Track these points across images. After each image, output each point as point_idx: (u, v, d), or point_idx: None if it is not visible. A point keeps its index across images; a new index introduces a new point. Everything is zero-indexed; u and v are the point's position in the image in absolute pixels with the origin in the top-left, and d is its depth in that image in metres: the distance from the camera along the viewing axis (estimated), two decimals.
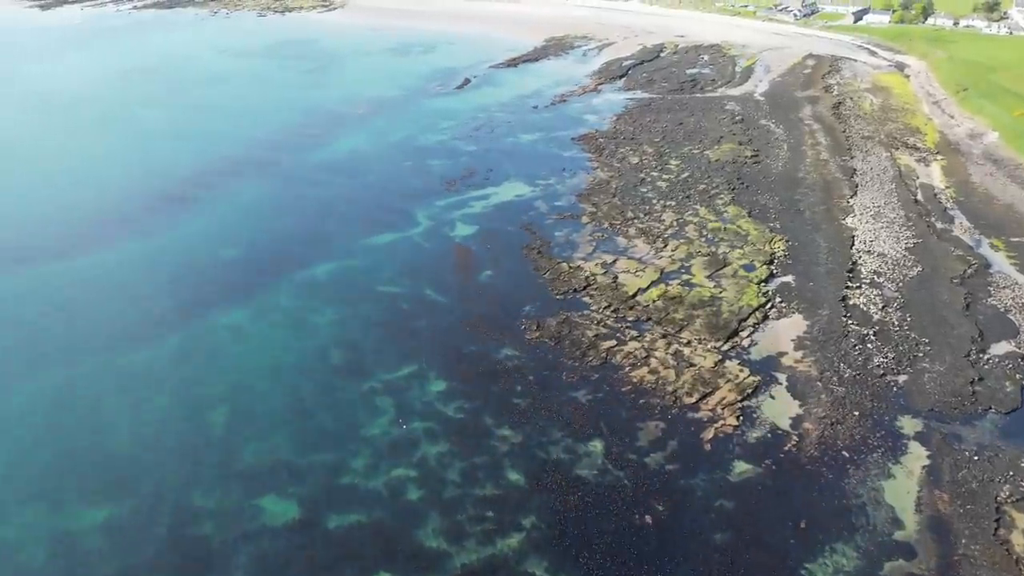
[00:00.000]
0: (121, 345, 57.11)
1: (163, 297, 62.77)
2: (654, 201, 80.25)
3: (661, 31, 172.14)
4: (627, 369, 53.43)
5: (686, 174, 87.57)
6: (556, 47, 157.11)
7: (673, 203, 79.88)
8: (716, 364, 53.95)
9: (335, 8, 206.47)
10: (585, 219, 76.06)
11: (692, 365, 53.74)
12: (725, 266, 66.82)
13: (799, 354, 55.58)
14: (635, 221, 75.61)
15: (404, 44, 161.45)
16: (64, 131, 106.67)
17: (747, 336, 57.52)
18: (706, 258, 68.38)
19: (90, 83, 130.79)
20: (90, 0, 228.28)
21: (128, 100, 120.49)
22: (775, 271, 66.93)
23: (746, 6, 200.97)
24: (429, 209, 79.07)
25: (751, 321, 59.29)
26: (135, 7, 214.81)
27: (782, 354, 55.57)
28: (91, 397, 52.39)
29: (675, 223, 75.20)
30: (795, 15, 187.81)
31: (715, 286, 63.84)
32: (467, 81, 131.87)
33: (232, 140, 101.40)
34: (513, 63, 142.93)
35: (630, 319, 59.24)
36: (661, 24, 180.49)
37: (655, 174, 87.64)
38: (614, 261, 67.83)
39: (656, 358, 54.33)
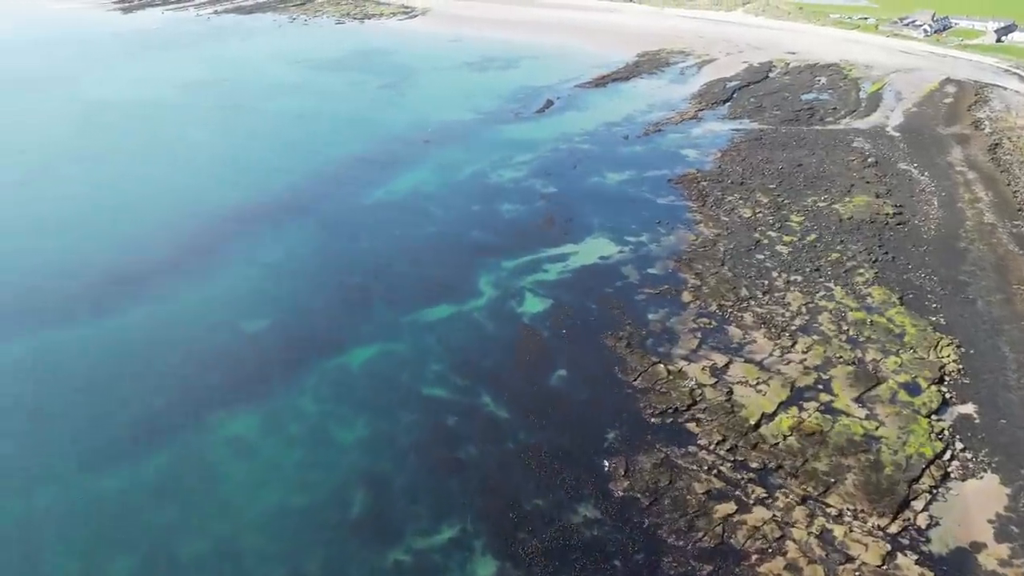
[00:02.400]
0: (87, 465, 44.48)
1: (153, 391, 50.44)
2: (774, 274, 64.09)
3: (769, 46, 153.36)
4: (754, 559, 37.79)
5: (812, 236, 70.79)
6: (650, 63, 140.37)
7: (799, 278, 63.32)
8: (884, 561, 37.78)
9: (415, 16, 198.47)
10: (687, 296, 60.50)
11: (849, 559, 37.54)
12: (878, 383, 50.16)
13: (1004, 550, 38.48)
14: (751, 303, 59.45)
15: (484, 57, 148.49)
16: (96, 154, 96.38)
17: (923, 509, 40.67)
18: (850, 368, 51.79)
19: (148, 96, 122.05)
20: (172, 3, 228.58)
21: (182, 118, 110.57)
22: (948, 395, 49.73)
23: (866, 19, 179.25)
24: (495, 272, 65.03)
25: (926, 482, 42.46)
26: (215, 12, 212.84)
27: (978, 547, 38.68)
28: (32, 551, 39.35)
29: (804, 309, 58.86)
30: (925, 31, 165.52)
31: (868, 416, 47.35)
32: (549, 103, 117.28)
33: (281, 173, 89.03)
34: (601, 82, 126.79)
35: (753, 465, 43.41)
36: (769, 38, 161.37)
37: (773, 234, 71.30)
38: (727, 365, 51.99)
39: (795, 541, 38.56)
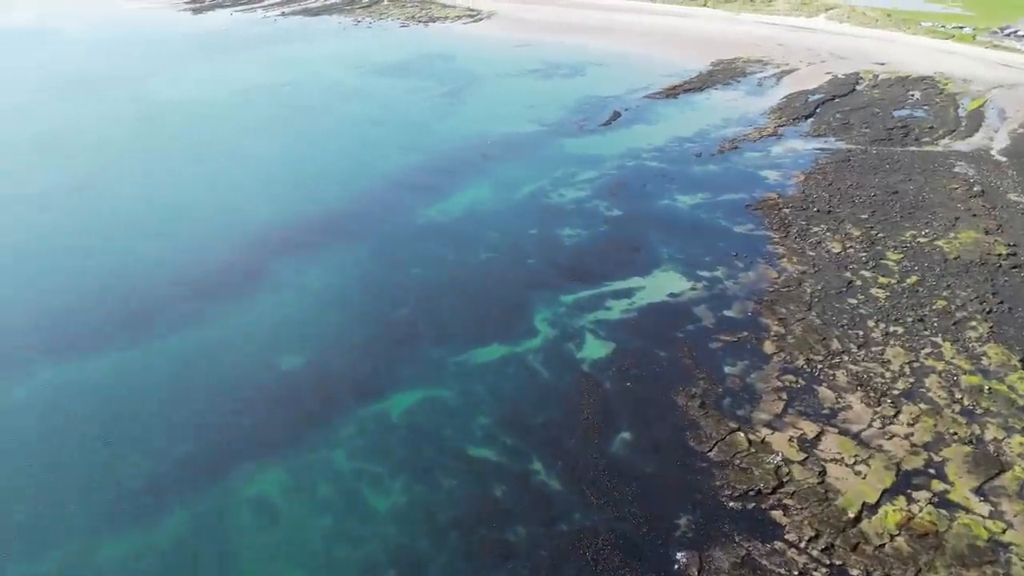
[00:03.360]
0: (94, 528, 39.99)
1: (175, 437, 45.97)
2: (870, 323, 56.04)
3: (855, 56, 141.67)
4: None
5: (913, 278, 62.20)
6: (725, 73, 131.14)
7: (899, 329, 55.23)
8: None
9: (481, 19, 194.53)
10: (769, 346, 53.17)
11: None
12: (1002, 470, 42.28)
13: None
14: (844, 358, 51.77)
15: (549, 64, 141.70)
16: (148, 160, 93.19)
17: None
18: (967, 448, 44.11)
19: (208, 100, 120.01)
20: (241, 4, 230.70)
21: (239, 125, 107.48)
22: None
23: (962, 28, 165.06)
24: (552, 308, 58.66)
25: None
26: (282, 13, 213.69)
27: None
28: None
29: (907, 369, 50.98)
30: None
31: (991, 514, 39.55)
32: (616, 115, 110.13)
33: (332, 185, 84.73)
34: (673, 92, 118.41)
35: (854, 573, 36.34)
36: (854, 47, 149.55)
37: (867, 274, 62.98)
38: (818, 436, 44.85)
39: None
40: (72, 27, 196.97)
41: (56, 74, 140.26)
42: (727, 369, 51.20)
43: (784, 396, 48.47)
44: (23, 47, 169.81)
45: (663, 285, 62.03)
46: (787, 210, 75.60)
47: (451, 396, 49.16)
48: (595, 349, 53.58)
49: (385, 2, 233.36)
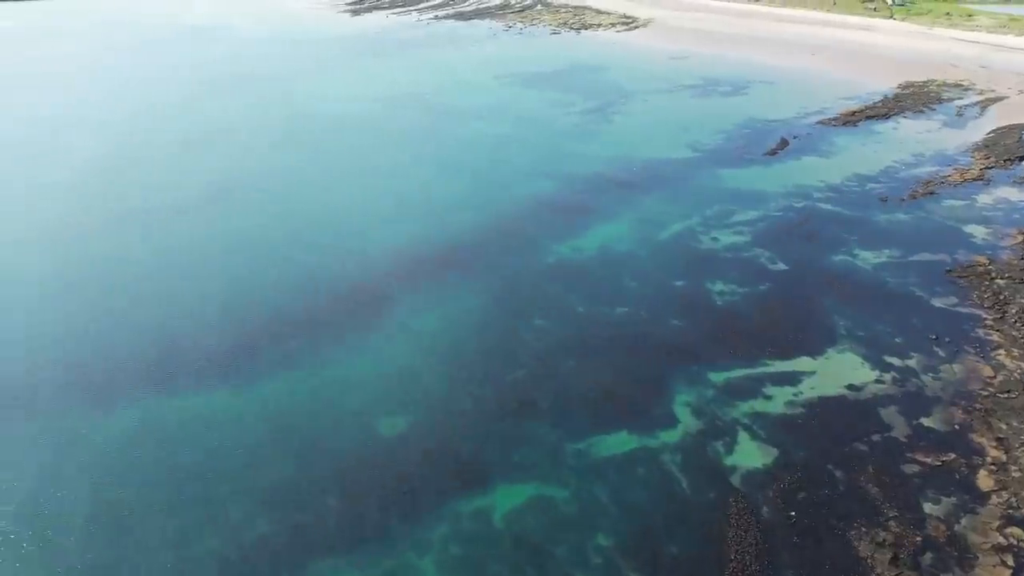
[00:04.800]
0: None
1: (249, 517, 39.32)
2: None
3: None
4: None
5: None
6: (915, 98, 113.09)
7: None
8: None
9: (636, 27, 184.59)
10: (986, 479, 40.14)
11: None
12: None
13: None
14: None
15: (708, 79, 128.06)
16: (275, 174, 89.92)
17: None
18: None
19: (346, 110, 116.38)
20: (397, 7, 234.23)
21: (373, 139, 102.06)
22: None
23: None
24: (696, 389, 47.89)
25: None
26: (435, 17, 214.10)
27: None
28: None
29: None
30: None
31: None
32: (783, 143, 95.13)
33: (459, 212, 77.20)
34: (851, 119, 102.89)
35: None
36: None
37: None
38: None
39: None
40: (237, 25, 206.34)
41: (212, 72, 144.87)
42: (927, 508, 38.67)
43: (1010, 561, 35.53)
44: (191, 45, 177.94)
45: (839, 372, 49.67)
46: (1001, 281, 60.37)
47: (567, 499, 40.08)
48: (749, 455, 42.49)
49: (538, 7, 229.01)
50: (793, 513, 38.80)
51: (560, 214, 77.22)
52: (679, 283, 64.01)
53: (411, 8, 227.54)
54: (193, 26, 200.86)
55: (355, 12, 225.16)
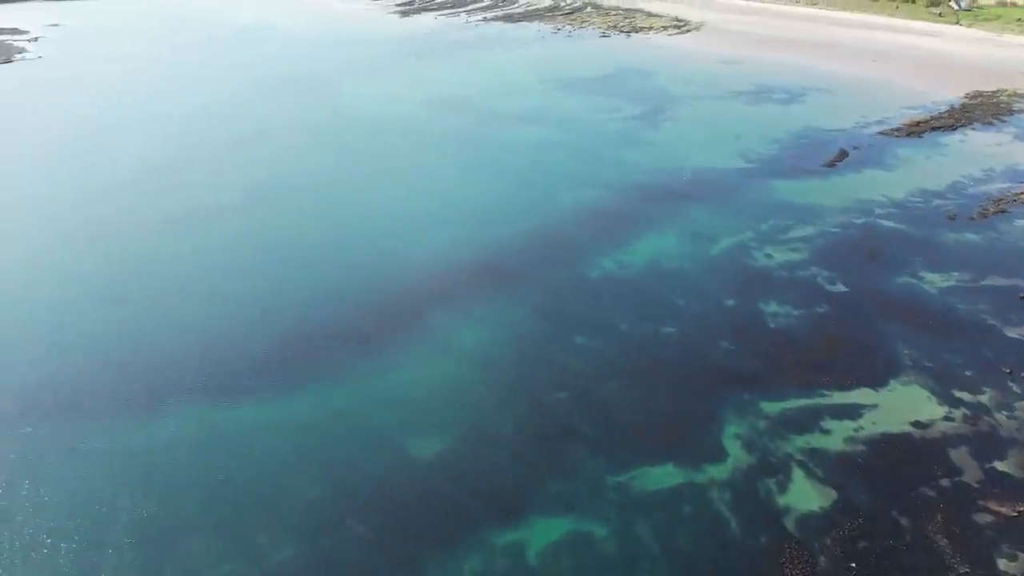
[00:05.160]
0: None
1: (274, 540, 37.82)
2: None
3: None
4: None
5: None
6: (985, 108, 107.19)
7: None
8: None
9: (688, 31, 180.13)
10: None
11: None
12: None
13: None
14: None
15: (761, 86, 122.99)
16: (314, 176, 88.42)
17: None
18: None
19: (390, 112, 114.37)
20: (446, 9, 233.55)
21: (415, 141, 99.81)
22: None
23: None
24: (748, 419, 44.51)
25: None
26: (484, 19, 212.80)
27: None
28: None
29: None
30: None
31: None
32: (843, 154, 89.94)
33: (501, 222, 74.51)
34: (915, 130, 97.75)
35: None
36: None
37: None
38: None
39: None
40: (288, 25, 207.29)
41: (261, 73, 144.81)
42: (1002, 564, 34.97)
43: None
44: (241, 45, 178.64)
45: (904, 406, 45.90)
46: None
47: (607, 537, 37.28)
48: (805, 496, 39.03)
49: (588, 9, 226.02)
50: (854, 565, 35.39)
51: (605, 224, 74.19)
52: (730, 302, 59.75)
53: (460, 10, 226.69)
54: (244, 26, 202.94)
55: (404, 13, 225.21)
